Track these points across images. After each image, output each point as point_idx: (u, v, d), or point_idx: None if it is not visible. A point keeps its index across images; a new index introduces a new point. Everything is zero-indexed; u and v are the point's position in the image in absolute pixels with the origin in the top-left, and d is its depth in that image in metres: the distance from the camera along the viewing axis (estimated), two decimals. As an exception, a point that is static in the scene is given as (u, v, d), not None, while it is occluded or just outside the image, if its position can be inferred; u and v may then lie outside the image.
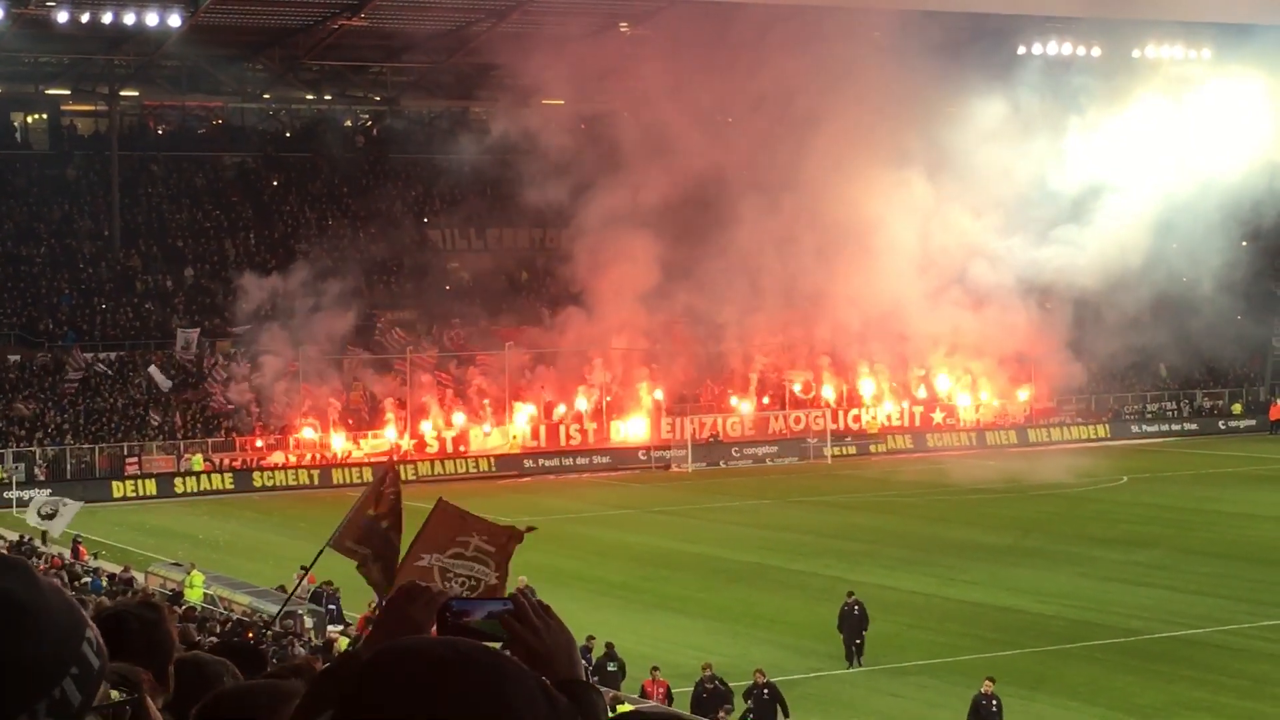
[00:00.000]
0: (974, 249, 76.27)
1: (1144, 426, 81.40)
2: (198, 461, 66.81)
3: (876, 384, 78.27)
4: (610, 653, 31.78)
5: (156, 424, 68.03)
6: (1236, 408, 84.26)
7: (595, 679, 31.32)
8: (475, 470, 68.55)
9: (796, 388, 77.30)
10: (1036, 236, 77.50)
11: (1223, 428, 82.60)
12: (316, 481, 66.25)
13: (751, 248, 74.01)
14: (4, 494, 61.44)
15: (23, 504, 60.29)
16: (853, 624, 33.79)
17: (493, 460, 69.59)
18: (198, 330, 72.36)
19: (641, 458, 71.91)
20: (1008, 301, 76.41)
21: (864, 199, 74.65)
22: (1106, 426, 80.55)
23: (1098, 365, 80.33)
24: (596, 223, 76.20)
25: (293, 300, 72.48)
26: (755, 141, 75.63)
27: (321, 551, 14.58)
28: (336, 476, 66.46)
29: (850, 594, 34.47)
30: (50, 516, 50.15)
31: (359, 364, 72.49)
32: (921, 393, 78.74)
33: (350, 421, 70.48)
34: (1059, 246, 77.53)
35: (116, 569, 41.25)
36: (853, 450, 74.87)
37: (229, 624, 30.84)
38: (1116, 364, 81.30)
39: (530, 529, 13.22)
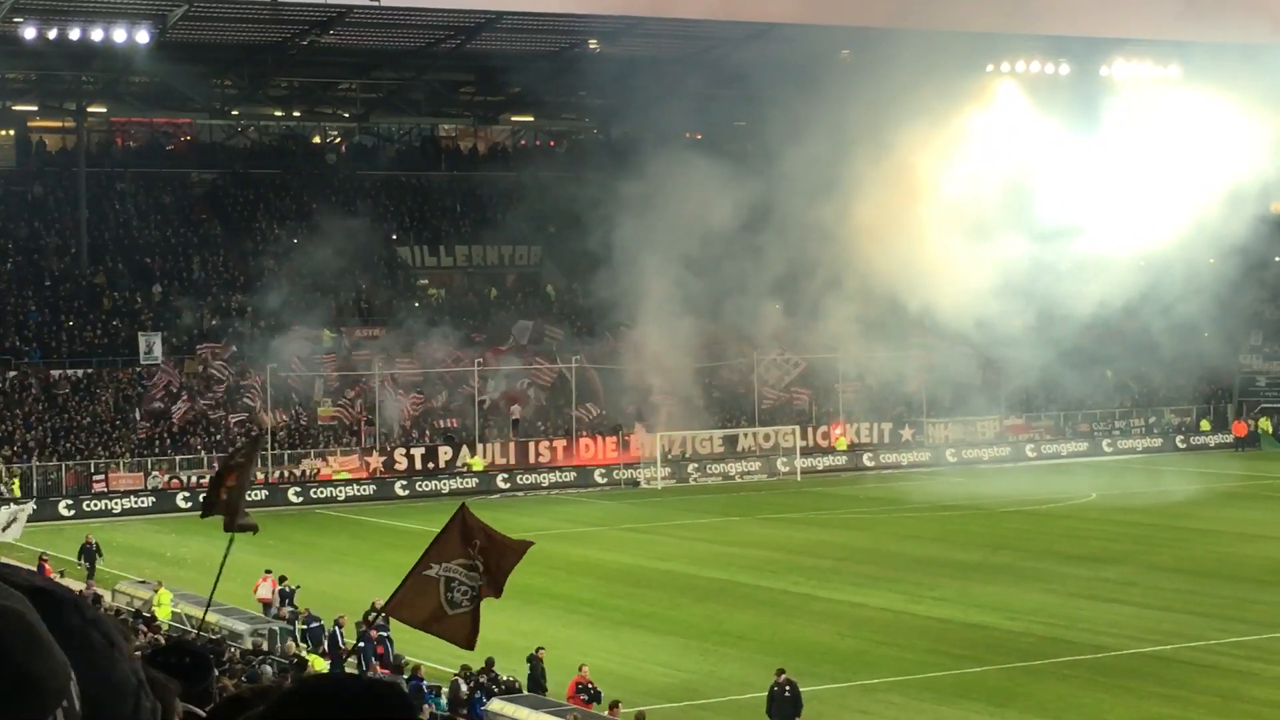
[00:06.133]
0: (947, 268, 75.87)
1: (1113, 443, 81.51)
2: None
3: (844, 402, 78.19)
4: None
5: (142, 433, 67.70)
6: (1204, 424, 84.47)
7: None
8: (457, 487, 67.92)
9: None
10: (1010, 255, 77.28)
11: (1190, 444, 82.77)
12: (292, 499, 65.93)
13: (733, 264, 74.05)
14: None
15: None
16: (782, 708, 28.90)
17: (474, 479, 69.24)
18: (159, 335, 71.84)
19: (601, 478, 71.82)
20: (976, 318, 76.22)
21: (836, 217, 74.44)
22: (1075, 443, 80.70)
23: (1069, 381, 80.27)
24: (569, 240, 76.22)
25: (260, 318, 72.20)
26: (727, 158, 75.63)
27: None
28: (295, 495, 66.33)
29: (780, 672, 29.44)
30: (7, 526, 50.42)
31: (329, 381, 72.16)
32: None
33: (326, 438, 70.38)
34: (1031, 265, 77.38)
35: (82, 587, 41.00)
36: (821, 466, 74.84)
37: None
38: (1086, 380, 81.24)
39: (530, 544, 13.58)
